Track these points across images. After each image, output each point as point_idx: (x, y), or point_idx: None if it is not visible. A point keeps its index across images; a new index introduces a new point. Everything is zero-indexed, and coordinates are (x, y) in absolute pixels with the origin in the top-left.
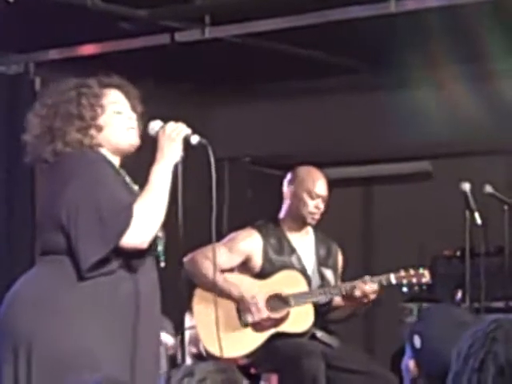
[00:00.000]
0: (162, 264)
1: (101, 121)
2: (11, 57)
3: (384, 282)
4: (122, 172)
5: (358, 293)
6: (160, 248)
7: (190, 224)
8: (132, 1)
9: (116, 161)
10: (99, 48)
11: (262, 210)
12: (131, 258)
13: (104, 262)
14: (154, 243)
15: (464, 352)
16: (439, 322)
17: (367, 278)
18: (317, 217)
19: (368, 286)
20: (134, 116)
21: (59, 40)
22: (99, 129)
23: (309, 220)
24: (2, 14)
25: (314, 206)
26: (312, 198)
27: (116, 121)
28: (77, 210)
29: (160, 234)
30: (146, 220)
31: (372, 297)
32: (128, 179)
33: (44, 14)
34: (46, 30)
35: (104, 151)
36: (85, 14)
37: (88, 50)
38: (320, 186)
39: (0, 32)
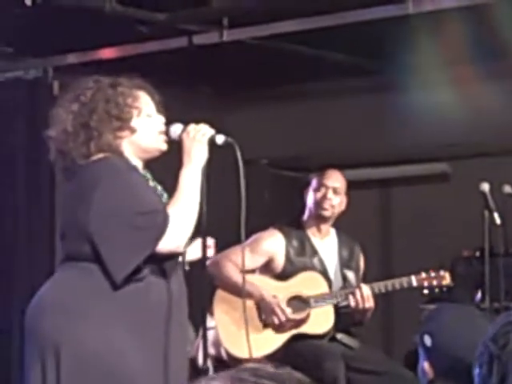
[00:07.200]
0: (187, 267)
1: (134, 123)
2: (29, 61)
3: (405, 285)
4: (147, 175)
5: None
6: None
7: (212, 225)
8: (150, 4)
9: (139, 165)
10: (117, 52)
11: (279, 212)
12: (161, 263)
13: (136, 269)
14: None
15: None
16: (448, 319)
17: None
18: (326, 206)
19: (362, 293)
20: (163, 120)
21: (77, 44)
22: (132, 131)
23: (319, 211)
24: (20, 18)
25: (322, 196)
26: (319, 188)
27: (148, 124)
28: (107, 220)
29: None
30: (181, 223)
31: (367, 305)
32: (152, 182)
33: (62, 18)
34: (64, 34)
35: (128, 154)
36: (103, 18)
37: (106, 53)
38: (328, 176)
39: (18, 36)
